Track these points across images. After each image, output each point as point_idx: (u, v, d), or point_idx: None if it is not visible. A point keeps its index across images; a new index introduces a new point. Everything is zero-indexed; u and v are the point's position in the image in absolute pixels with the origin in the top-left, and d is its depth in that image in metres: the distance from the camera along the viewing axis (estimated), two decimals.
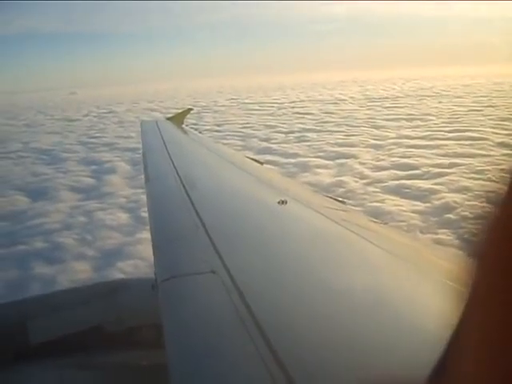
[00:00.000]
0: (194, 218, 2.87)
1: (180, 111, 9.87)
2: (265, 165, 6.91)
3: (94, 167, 26.19)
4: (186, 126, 9.08)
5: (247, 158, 6.74)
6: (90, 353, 2.85)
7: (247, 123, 43.32)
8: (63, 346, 2.86)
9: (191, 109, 11.13)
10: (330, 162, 24.25)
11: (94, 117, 59.45)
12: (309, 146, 29.69)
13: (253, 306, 1.68)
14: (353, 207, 16.02)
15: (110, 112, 63.32)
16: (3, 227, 16.60)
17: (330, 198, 4.38)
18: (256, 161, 6.23)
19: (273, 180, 5.02)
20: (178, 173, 4.27)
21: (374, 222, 3.81)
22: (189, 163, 5.31)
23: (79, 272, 12.33)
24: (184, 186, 3.73)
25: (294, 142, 31.39)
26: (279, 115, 49.58)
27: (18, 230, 16.17)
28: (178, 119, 9.14)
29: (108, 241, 14.35)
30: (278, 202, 3.13)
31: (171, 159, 5.00)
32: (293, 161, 24.99)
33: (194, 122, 42.53)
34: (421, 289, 1.99)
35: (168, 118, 9.53)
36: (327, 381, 1.35)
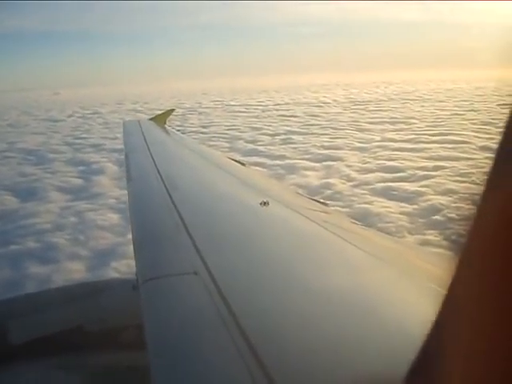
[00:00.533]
0: (175, 219, 2.88)
1: (163, 112, 9.88)
2: (250, 166, 6.99)
3: (81, 168, 26.12)
4: (170, 127, 9.07)
5: (230, 158, 6.74)
6: (72, 353, 2.84)
7: (233, 125, 43.33)
8: (45, 345, 2.85)
9: (173, 109, 11.13)
10: (317, 164, 24.48)
11: (79, 117, 58.85)
12: (295, 148, 29.91)
13: (234, 308, 1.68)
14: (336, 208, 16.44)
15: (94, 113, 62.65)
16: None
17: (313, 199, 4.42)
18: (238, 162, 6.27)
19: (255, 181, 5.06)
20: (159, 173, 4.28)
21: (356, 223, 3.85)
22: (171, 163, 5.34)
23: (74, 272, 12.44)
24: (166, 187, 3.74)
25: (280, 144, 31.56)
26: (264, 117, 49.58)
27: (9, 229, 16.24)
28: (160, 119, 9.13)
29: (100, 241, 14.46)
30: (260, 204, 3.14)
31: (153, 159, 5.03)
32: (280, 163, 25.19)
33: (179, 123, 42.67)
34: (401, 290, 2.03)
35: (151, 119, 9.53)
36: (308, 382, 1.38)
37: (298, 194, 5.33)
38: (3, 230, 16.33)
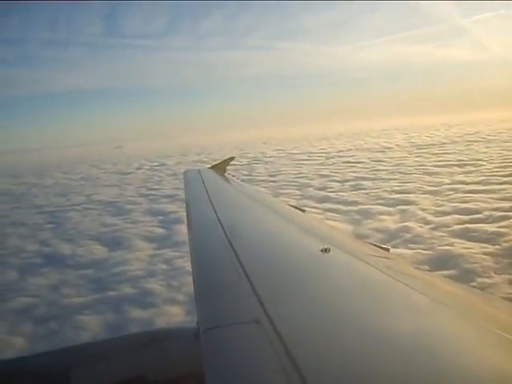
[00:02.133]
0: (236, 267, 2.88)
1: (222, 160, 10.05)
2: (325, 213, 7.14)
3: (160, 217, 26.97)
4: (235, 176, 9.26)
5: (290, 205, 6.81)
6: None
7: (300, 173, 43.79)
8: None
9: (233, 157, 11.29)
10: (391, 209, 24.60)
11: (147, 169, 60.74)
12: (366, 193, 30.16)
13: (297, 357, 1.67)
14: (418, 251, 16.60)
15: (161, 165, 64.43)
16: (89, 274, 17.53)
17: (374, 245, 4.37)
18: (298, 208, 6.32)
19: (316, 228, 5.08)
20: (220, 221, 4.30)
21: (419, 269, 3.86)
22: (231, 211, 5.37)
23: (173, 315, 12.99)
24: (226, 235, 3.76)
25: (351, 190, 31.85)
26: (329, 164, 49.98)
27: (104, 277, 17.05)
28: (220, 167, 9.30)
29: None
30: (321, 250, 3.11)
31: (213, 207, 5.06)
32: (354, 208, 25.41)
33: (246, 173, 43.85)
34: (464, 336, 1.99)
35: (211, 167, 9.70)
36: None
37: (359, 239, 5.40)
38: (98, 277, 17.15)
